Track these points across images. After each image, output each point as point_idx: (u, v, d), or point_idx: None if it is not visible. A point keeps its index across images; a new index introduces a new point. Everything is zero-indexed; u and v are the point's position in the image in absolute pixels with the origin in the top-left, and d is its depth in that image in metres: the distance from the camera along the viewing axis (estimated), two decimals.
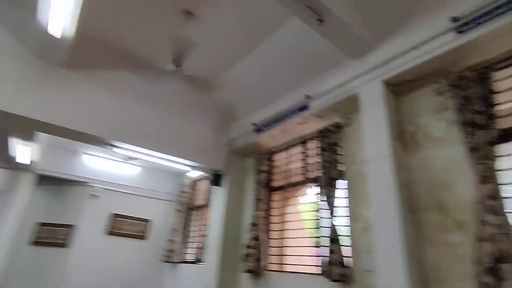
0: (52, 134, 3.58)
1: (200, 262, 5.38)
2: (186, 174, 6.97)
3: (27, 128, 3.69)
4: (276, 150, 4.58)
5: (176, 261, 6.14)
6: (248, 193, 4.72)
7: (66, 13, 2.54)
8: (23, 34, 3.19)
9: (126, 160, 5.94)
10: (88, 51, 3.50)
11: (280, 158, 4.55)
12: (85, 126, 3.36)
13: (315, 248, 3.42)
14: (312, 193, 3.96)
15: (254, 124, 4.29)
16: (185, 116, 4.26)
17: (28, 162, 5.08)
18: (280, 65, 3.75)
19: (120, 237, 6.50)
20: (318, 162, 3.58)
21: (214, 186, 4.89)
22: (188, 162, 4.30)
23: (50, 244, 6.09)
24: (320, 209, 3.42)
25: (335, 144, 3.48)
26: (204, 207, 6.08)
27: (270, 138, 4.29)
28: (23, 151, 4.56)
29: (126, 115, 3.69)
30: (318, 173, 3.58)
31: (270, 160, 4.61)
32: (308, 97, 3.58)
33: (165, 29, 3.30)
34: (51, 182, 6.39)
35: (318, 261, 3.22)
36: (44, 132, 3.69)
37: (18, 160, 4.92)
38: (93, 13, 2.91)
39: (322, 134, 3.63)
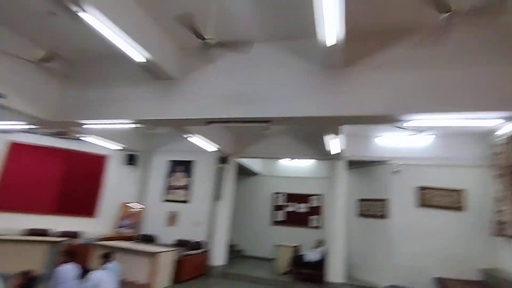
0: (352, 124, 4.32)
1: None
2: (495, 131, 5.69)
3: (333, 125, 4.72)
4: None
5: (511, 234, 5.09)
6: None
7: (335, 25, 3.07)
8: (309, 55, 4.18)
9: (417, 131, 5.85)
10: (356, 44, 3.94)
11: None
12: (374, 109, 3.74)
13: None
14: None
15: None
16: (477, 61, 3.55)
17: (338, 152, 6.41)
18: None
19: (432, 209, 6.42)
20: None
21: None
22: (500, 113, 3.51)
23: (371, 215, 7.20)
24: None
25: None
26: None
27: None
28: (334, 144, 5.83)
29: (410, 85, 3.66)
30: None
31: None
32: None
33: None
34: (357, 165, 7.63)
35: None
36: (345, 124, 4.54)
37: (332, 152, 6.36)
38: (351, 11, 3.27)
39: None
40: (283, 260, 7.70)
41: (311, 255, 7.15)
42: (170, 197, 8.40)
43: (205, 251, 7.44)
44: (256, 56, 4.45)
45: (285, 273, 7.43)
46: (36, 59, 4.33)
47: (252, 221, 10.34)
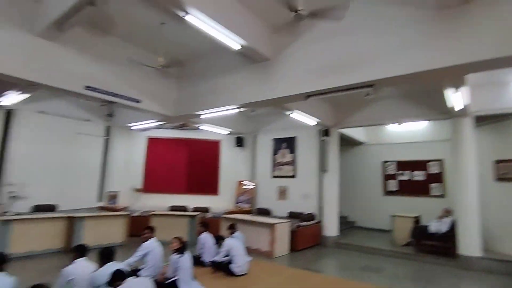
0: (482, 71, 3.59)
1: None
2: None
3: (455, 76, 4.02)
4: None
5: None
6: None
7: None
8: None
9: None
10: None
11: None
12: None
13: None
14: None
15: None
16: None
17: (462, 107, 5.43)
18: None
19: None
20: None
21: None
22: None
23: None
24: None
25: None
26: None
27: None
28: (456, 98, 4.97)
29: None
30: None
31: None
32: None
33: None
34: (489, 121, 6.33)
35: None
36: (471, 72, 3.80)
37: (455, 108, 5.42)
38: None
39: None
40: (402, 231, 7.21)
41: (438, 226, 6.46)
42: (278, 173, 8.88)
43: (318, 222, 7.64)
44: (350, 17, 4.12)
45: (406, 245, 6.97)
46: (157, 65, 5.15)
47: (362, 192, 9.97)
